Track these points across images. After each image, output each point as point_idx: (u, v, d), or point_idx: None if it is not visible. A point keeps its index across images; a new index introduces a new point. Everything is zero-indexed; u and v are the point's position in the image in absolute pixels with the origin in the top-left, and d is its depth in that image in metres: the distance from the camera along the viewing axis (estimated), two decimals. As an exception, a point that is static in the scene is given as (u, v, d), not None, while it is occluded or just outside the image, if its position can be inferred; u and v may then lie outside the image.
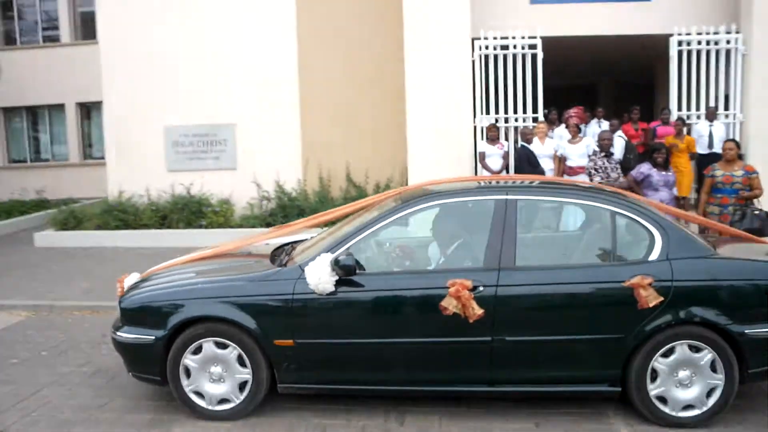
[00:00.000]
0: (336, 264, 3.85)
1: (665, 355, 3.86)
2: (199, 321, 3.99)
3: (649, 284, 3.78)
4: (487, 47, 10.04)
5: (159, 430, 3.92)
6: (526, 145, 9.30)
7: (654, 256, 3.92)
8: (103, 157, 16.55)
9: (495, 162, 9.45)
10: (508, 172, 9.54)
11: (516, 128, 10.09)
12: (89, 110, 17.22)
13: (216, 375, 4.01)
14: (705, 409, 3.88)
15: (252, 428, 3.96)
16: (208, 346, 3.98)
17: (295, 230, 5.09)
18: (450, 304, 3.76)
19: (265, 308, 3.95)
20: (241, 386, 4.02)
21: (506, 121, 10.19)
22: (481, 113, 10.13)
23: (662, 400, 3.89)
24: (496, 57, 10.06)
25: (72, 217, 11.58)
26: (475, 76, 10.00)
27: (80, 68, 16.17)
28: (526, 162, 8.95)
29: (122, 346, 4.17)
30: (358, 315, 3.96)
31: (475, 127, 10.11)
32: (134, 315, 4.14)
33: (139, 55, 11.97)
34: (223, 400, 4.04)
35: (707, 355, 3.83)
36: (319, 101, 11.29)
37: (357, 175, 11.32)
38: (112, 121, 12.39)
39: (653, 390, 3.87)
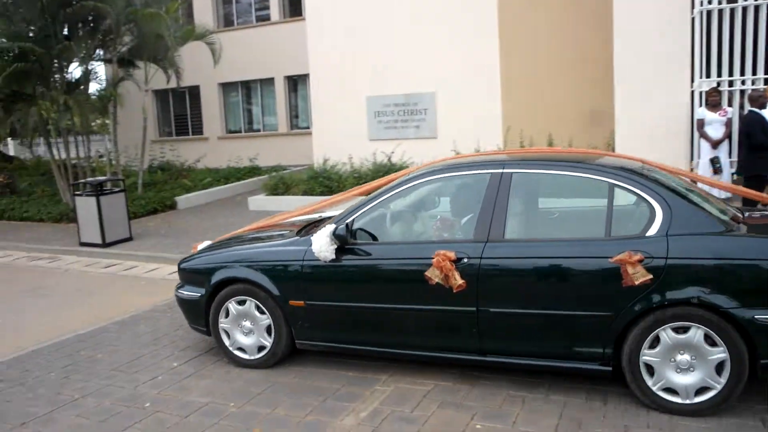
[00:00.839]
0: (333, 234, 4.51)
1: (655, 341, 3.88)
2: (232, 282, 4.99)
3: (638, 261, 3.80)
4: (710, 1, 9.93)
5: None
6: (757, 111, 9.08)
7: (652, 231, 3.92)
8: (308, 127, 18.73)
9: (716, 130, 9.37)
10: (730, 141, 9.44)
11: (742, 92, 9.87)
12: (296, 83, 19.39)
13: (245, 329, 5.01)
14: (692, 401, 3.85)
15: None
16: (236, 305, 4.99)
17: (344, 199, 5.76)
18: (433, 274, 4.20)
19: (281, 273, 4.78)
20: (260, 348, 4.98)
21: (730, 84, 10.01)
22: (700, 77, 10.06)
23: (666, 390, 3.90)
24: (720, 12, 9.92)
25: (281, 183, 13.46)
26: (694, 35, 9.95)
27: (288, 44, 18.38)
28: (760, 129, 8.65)
29: (181, 302, 5.36)
30: (356, 281, 4.56)
31: (692, 93, 10.09)
32: (187, 277, 5.32)
33: (342, 29, 13.51)
34: (241, 349, 5.05)
35: (698, 333, 3.78)
36: (521, 67, 11.91)
37: (559, 144, 11.78)
38: (317, 93, 14.11)
39: (650, 381, 3.91)
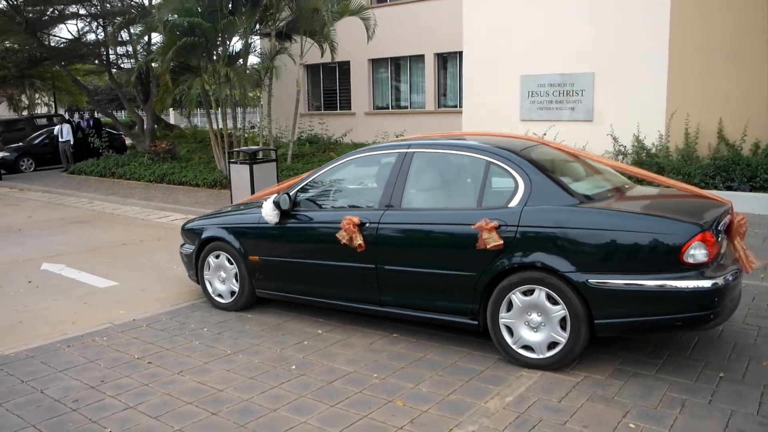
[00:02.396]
0: (274, 202, 5.50)
1: (510, 305, 4.50)
2: (212, 240, 6.10)
3: (494, 228, 4.45)
4: None
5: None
6: None
7: (513, 203, 4.54)
8: (455, 106, 18.67)
9: None
10: None
11: None
12: (445, 61, 19.31)
13: (221, 278, 6.10)
14: (545, 355, 4.43)
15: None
16: (213, 258, 6.11)
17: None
18: (341, 236, 5.08)
19: (243, 233, 5.89)
20: (232, 293, 6.06)
21: None
22: None
23: (524, 347, 4.49)
24: None
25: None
26: None
27: (439, 21, 18.31)
28: None
29: (182, 257, 6.57)
30: (293, 241, 5.57)
31: None
32: (186, 236, 6.52)
33: (499, 6, 13.24)
34: (220, 295, 6.15)
35: (541, 294, 4.37)
36: (692, 49, 11.12)
37: (732, 133, 10.94)
38: (470, 70, 13.98)
39: (510, 340, 4.54)
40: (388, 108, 20.57)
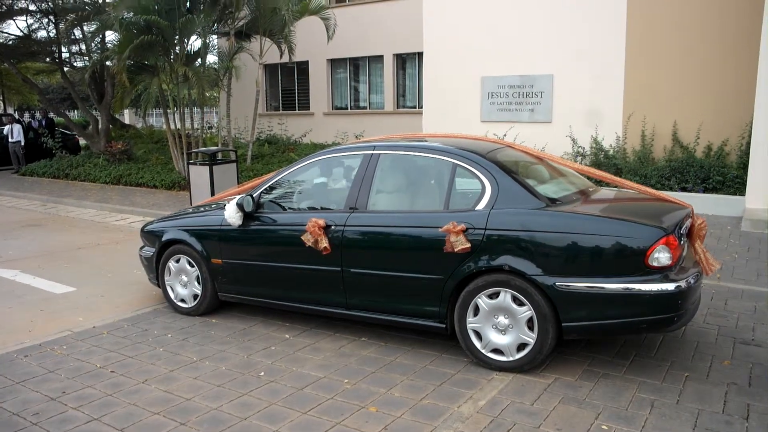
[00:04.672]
0: (237, 204, 5.40)
1: (477, 310, 4.48)
2: (173, 243, 5.98)
3: (461, 231, 4.41)
4: None
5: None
6: None
7: (480, 206, 4.52)
8: (414, 107, 18.71)
9: None
10: None
11: None
12: (404, 61, 19.29)
13: (183, 282, 5.97)
14: (514, 357, 4.42)
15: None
16: (174, 262, 5.99)
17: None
18: (306, 238, 5.00)
19: (205, 235, 5.76)
20: (195, 297, 5.91)
21: None
22: None
23: (493, 351, 4.48)
24: None
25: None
26: None
27: (399, 22, 18.29)
28: None
29: (142, 260, 6.41)
30: (257, 243, 5.45)
31: None
32: (146, 238, 6.36)
33: (458, 7, 13.28)
34: (183, 300, 6.02)
35: (507, 296, 4.37)
36: (649, 52, 11.34)
37: (686, 135, 11.19)
38: (430, 71, 13.99)
39: (479, 344, 4.53)
40: (347, 108, 20.49)
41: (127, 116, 34.14)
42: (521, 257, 4.30)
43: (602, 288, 4.13)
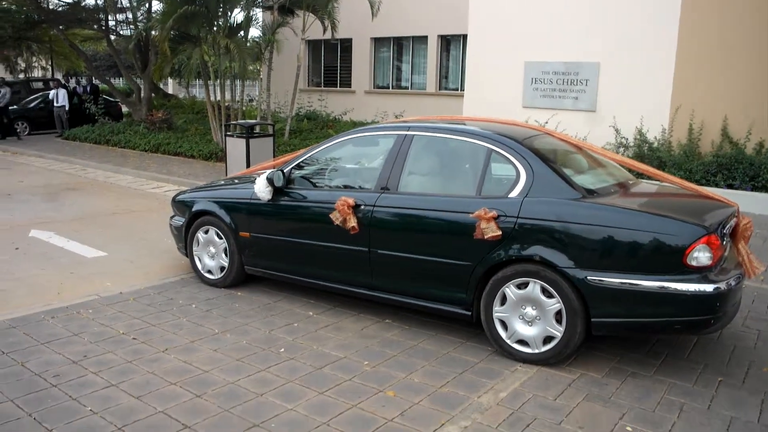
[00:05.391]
0: (267, 178, 5.40)
1: (504, 299, 4.40)
2: (203, 214, 5.99)
3: (492, 218, 4.34)
4: None
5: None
6: None
7: (514, 193, 4.44)
8: (456, 89, 18.47)
9: None
10: None
11: None
12: (449, 43, 19.04)
13: (211, 253, 6.01)
14: (540, 350, 4.33)
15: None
16: (203, 233, 6.03)
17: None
18: (335, 217, 4.97)
19: (234, 208, 5.76)
20: (221, 269, 5.93)
21: None
22: None
23: (519, 342, 4.40)
24: None
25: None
26: None
27: (445, 3, 18.01)
28: None
29: (172, 229, 6.45)
30: (286, 219, 5.45)
31: None
32: (177, 207, 6.41)
33: (508, -12, 13.01)
34: (210, 271, 6.04)
35: (536, 287, 4.27)
36: (702, 43, 10.93)
37: (736, 131, 10.79)
38: (474, 54, 13.75)
39: (504, 334, 4.44)
40: (389, 88, 20.34)
41: (170, 86, 34.49)
42: (553, 248, 4.21)
43: (636, 285, 4.01)
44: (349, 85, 20.95)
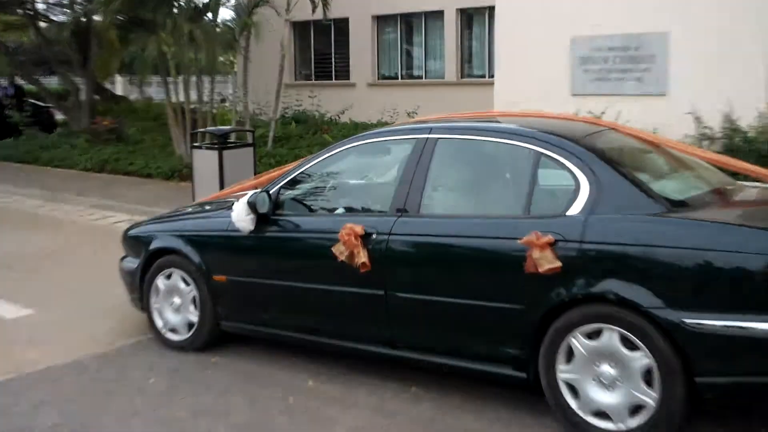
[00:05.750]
0: (248, 202, 5.20)
1: (571, 354, 4.17)
2: (163, 253, 5.86)
3: (548, 244, 4.12)
4: None
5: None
6: None
7: (574, 209, 4.26)
8: (482, 76, 18.44)
9: None
10: None
11: None
12: (470, 19, 19.10)
13: (175, 305, 5.83)
14: (627, 426, 4.03)
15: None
16: (165, 278, 5.85)
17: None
18: (339, 251, 4.78)
19: (206, 243, 5.67)
20: (189, 326, 5.75)
21: None
22: None
23: (596, 414, 4.14)
24: None
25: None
26: None
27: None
28: None
29: (122, 274, 6.36)
30: (274, 255, 5.39)
31: None
32: (130, 245, 6.33)
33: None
34: (174, 330, 5.85)
35: (612, 336, 4.03)
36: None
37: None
38: (505, 30, 13.53)
39: (575, 404, 4.19)
40: (397, 78, 20.35)
41: (119, 86, 34.52)
42: (633, 282, 4.02)
43: (752, 330, 3.75)
44: (347, 77, 20.93)
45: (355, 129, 17.21)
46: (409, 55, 20.32)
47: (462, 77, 19.11)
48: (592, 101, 12.21)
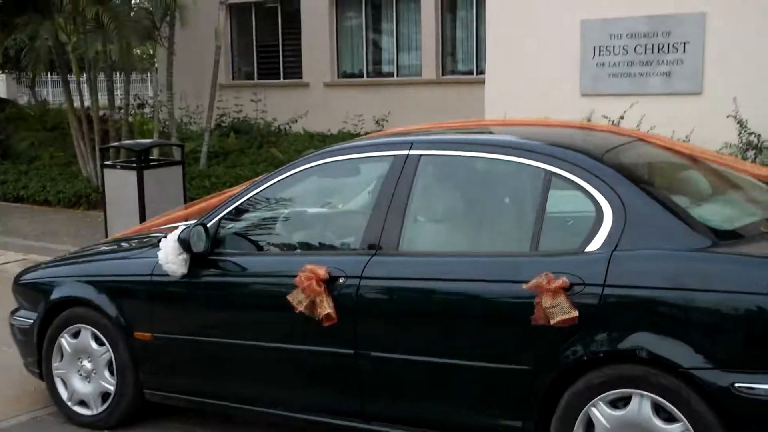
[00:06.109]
0: (178, 239, 5.19)
1: (590, 425, 4.14)
2: (69, 304, 5.82)
3: (561, 289, 4.08)
4: None
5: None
6: None
7: (594, 244, 4.26)
8: (470, 72, 18.52)
9: None
10: None
11: None
12: (453, 0, 19.12)
13: (85, 371, 5.77)
14: None
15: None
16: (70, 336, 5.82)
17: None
18: (296, 299, 4.74)
19: (124, 291, 5.68)
20: (104, 397, 5.69)
21: None
22: None
23: None
24: None
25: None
26: None
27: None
28: None
29: (16, 332, 6.27)
30: (212, 306, 5.42)
31: None
32: (24, 295, 6.32)
33: None
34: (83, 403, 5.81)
35: (644, 404, 3.98)
36: None
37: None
38: (496, 14, 13.61)
39: None
40: (363, 76, 20.44)
41: (2, 85, 34.30)
42: (669, 336, 4.01)
43: None
44: (299, 75, 20.99)
45: (311, 141, 17.24)
46: (376, 46, 20.47)
47: (443, 74, 19.20)
48: (607, 102, 12.26)
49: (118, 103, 15.58)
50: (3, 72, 29.73)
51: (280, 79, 21.40)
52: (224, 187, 13.64)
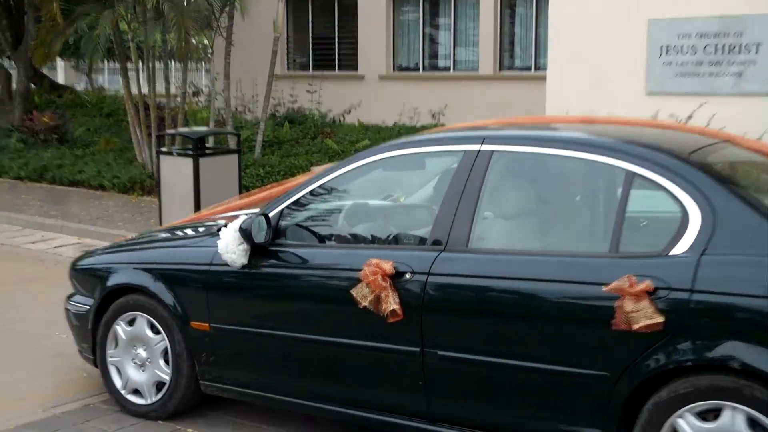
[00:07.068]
0: (240, 229, 5.16)
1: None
2: (125, 291, 5.80)
3: (645, 293, 3.99)
4: None
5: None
6: None
7: (681, 247, 4.13)
8: (527, 68, 18.53)
9: None
10: None
11: None
12: (513, -4, 19.20)
13: (140, 359, 5.72)
14: None
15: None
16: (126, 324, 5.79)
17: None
18: (361, 294, 4.68)
19: (182, 280, 5.64)
20: (158, 387, 5.65)
21: None
22: None
23: None
24: None
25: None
26: None
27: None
28: None
29: (69, 318, 6.26)
30: (271, 298, 5.43)
31: None
32: (81, 281, 6.25)
33: None
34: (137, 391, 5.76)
35: (737, 419, 3.84)
36: None
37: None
38: (559, 10, 13.47)
39: None
40: (418, 70, 20.47)
41: (61, 72, 34.59)
42: (764, 346, 3.87)
43: None
44: (355, 67, 21.02)
45: (365, 132, 17.19)
46: (433, 41, 20.49)
47: (500, 69, 19.17)
48: (673, 102, 12.08)
49: (174, 91, 15.57)
50: (62, 59, 30.03)
51: (335, 70, 21.46)
52: (279, 176, 13.89)
